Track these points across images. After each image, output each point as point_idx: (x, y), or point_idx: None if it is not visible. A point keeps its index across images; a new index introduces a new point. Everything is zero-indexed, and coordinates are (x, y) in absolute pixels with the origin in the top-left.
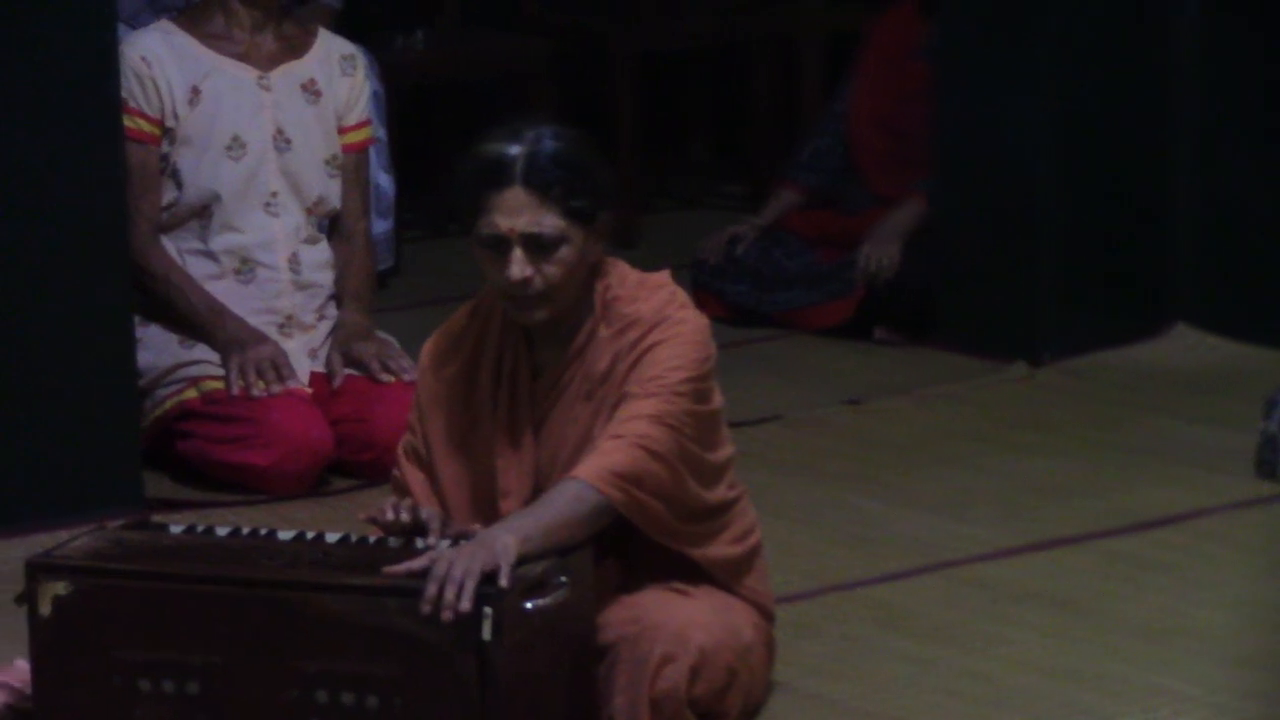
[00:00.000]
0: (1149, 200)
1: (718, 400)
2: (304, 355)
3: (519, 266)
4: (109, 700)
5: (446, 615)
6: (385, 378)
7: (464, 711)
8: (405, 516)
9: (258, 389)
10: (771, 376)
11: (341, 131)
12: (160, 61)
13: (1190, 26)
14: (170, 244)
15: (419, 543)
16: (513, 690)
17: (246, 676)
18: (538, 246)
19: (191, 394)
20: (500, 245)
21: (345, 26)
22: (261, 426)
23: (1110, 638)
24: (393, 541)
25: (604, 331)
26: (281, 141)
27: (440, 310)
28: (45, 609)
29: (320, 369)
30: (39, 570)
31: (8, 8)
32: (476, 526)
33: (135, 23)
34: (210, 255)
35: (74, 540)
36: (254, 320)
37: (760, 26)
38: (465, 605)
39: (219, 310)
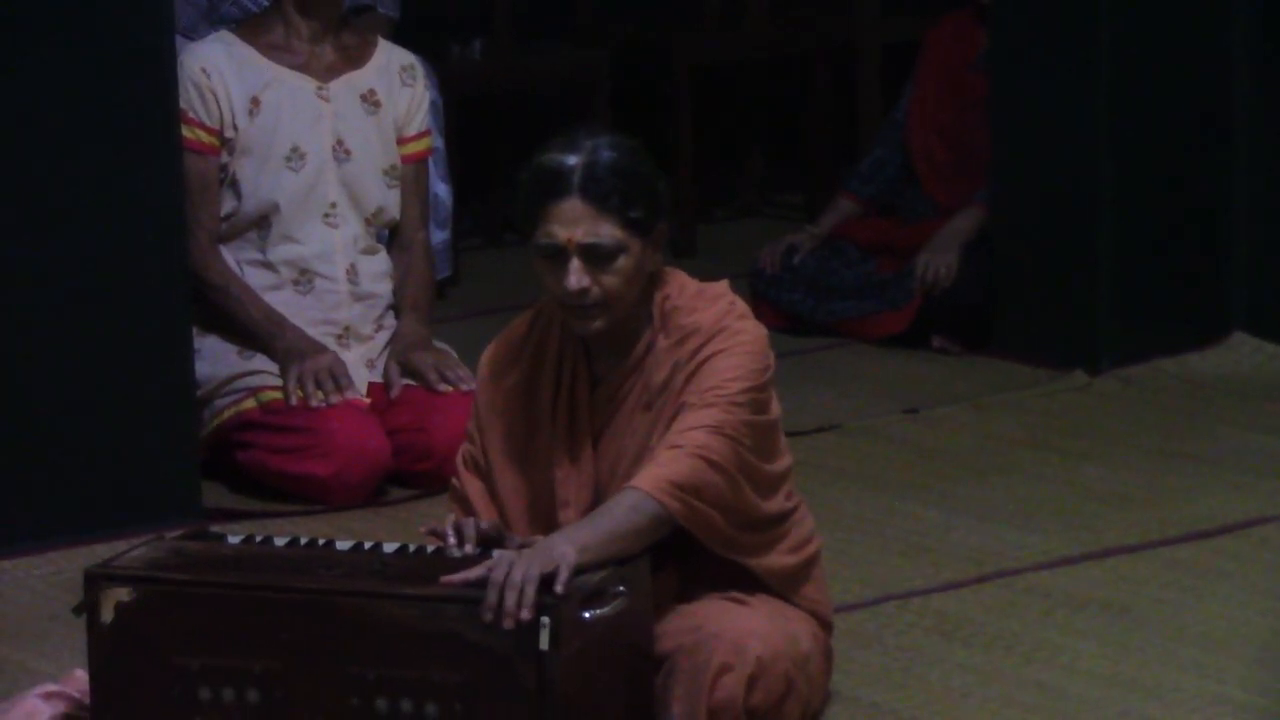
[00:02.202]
0: (1207, 208)
1: (776, 410)
2: (362, 365)
3: (577, 276)
4: (168, 708)
5: (508, 623)
6: (443, 388)
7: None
8: (469, 549)
9: (316, 399)
10: (829, 386)
11: (401, 142)
12: (220, 72)
13: (1247, 33)
14: (229, 254)
15: (476, 553)
16: (571, 699)
17: (306, 684)
18: (595, 257)
19: (250, 404)
20: (558, 255)
21: (402, 36)
22: (320, 437)
23: (1170, 646)
24: (451, 551)
25: (663, 342)
26: (341, 152)
27: (497, 319)
28: (108, 615)
29: (378, 379)
30: (99, 579)
31: (66, 19)
32: (537, 538)
33: (193, 34)
34: (269, 266)
35: (132, 550)
36: (312, 331)
37: (818, 36)
38: (526, 614)
39: (278, 320)
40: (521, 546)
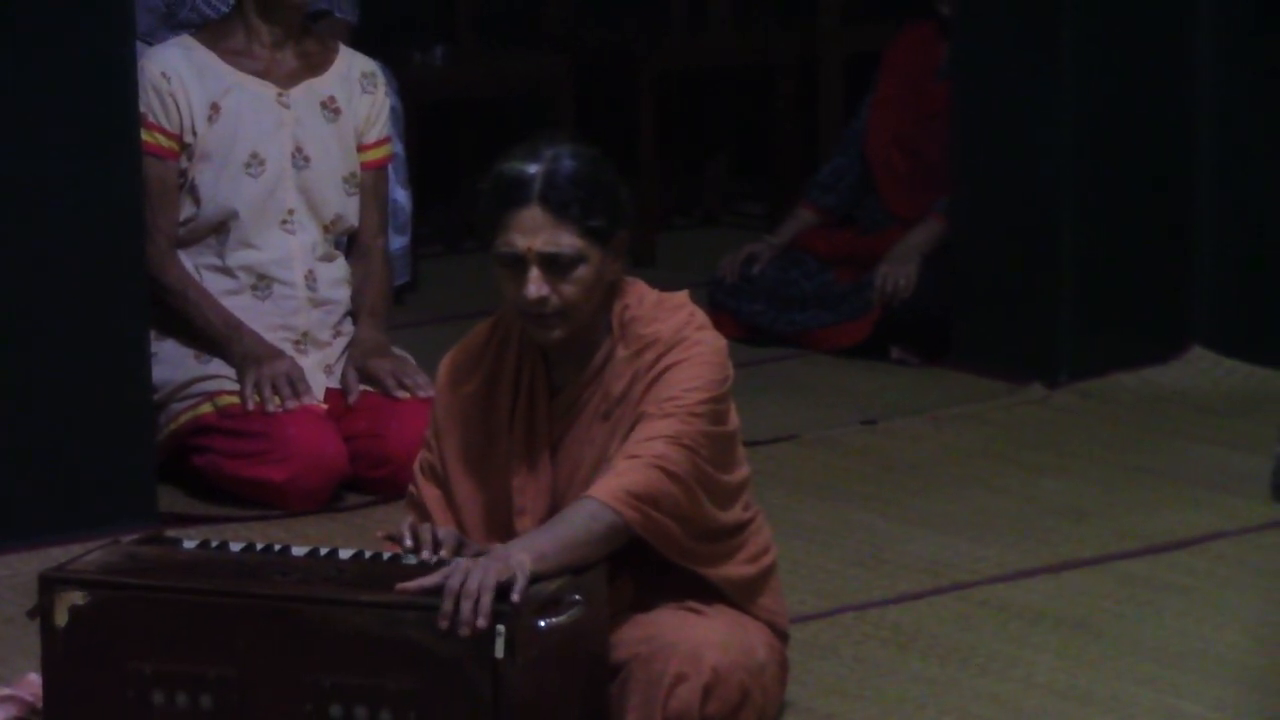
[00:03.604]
0: (1167, 223)
1: (734, 421)
2: (319, 371)
3: (536, 285)
4: (122, 713)
5: (463, 631)
6: (400, 394)
7: None
8: (426, 551)
9: (273, 404)
10: (787, 396)
11: (361, 149)
12: (180, 77)
13: (1211, 48)
14: (187, 259)
15: (433, 561)
16: (526, 707)
17: (261, 690)
18: (555, 266)
19: (207, 409)
20: (518, 264)
21: (363, 42)
22: (276, 442)
23: (1125, 660)
24: (407, 558)
25: (622, 352)
26: (300, 159)
27: (456, 327)
28: (61, 619)
29: (336, 385)
30: (54, 582)
31: (26, 22)
32: (495, 546)
33: (152, 39)
34: (227, 271)
35: (87, 555)
36: (270, 337)
37: (781, 47)
38: (482, 622)
39: (235, 325)
40: (478, 554)
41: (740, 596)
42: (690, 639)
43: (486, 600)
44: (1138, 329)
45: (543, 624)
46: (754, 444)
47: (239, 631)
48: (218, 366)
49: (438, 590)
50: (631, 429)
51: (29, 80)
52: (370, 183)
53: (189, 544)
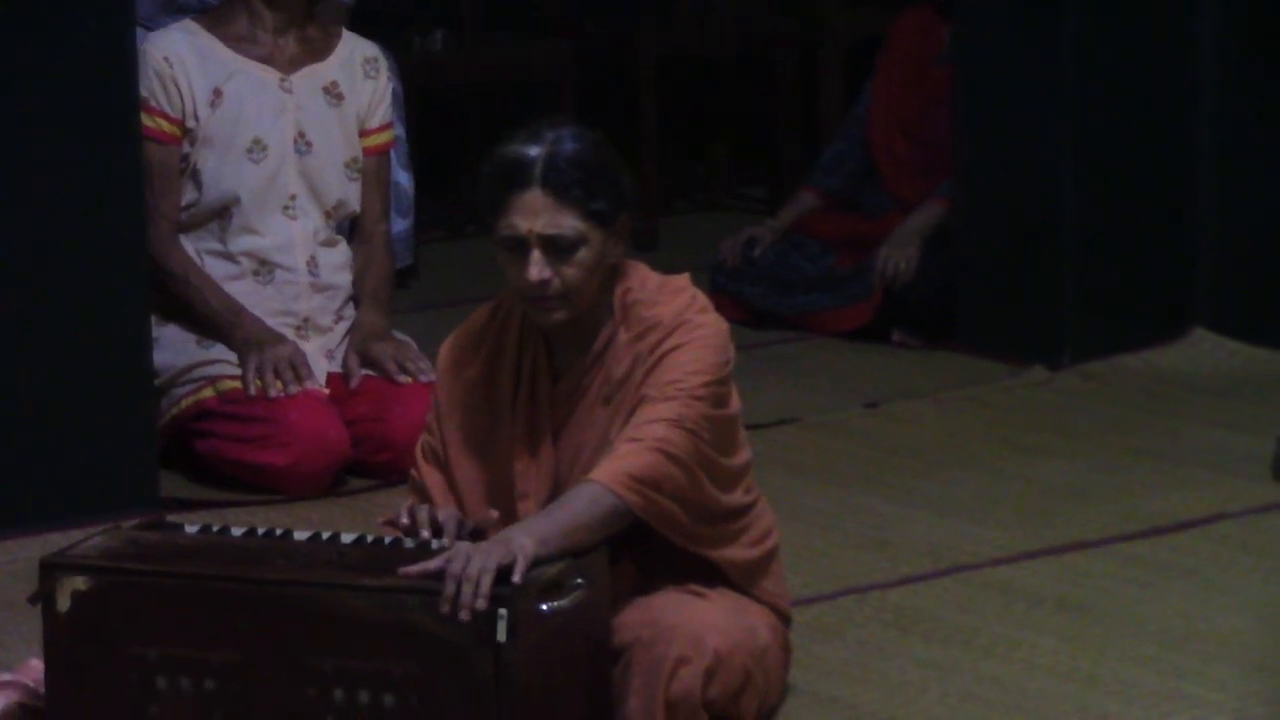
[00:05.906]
0: (1169, 204)
1: (736, 405)
2: (321, 356)
3: (537, 268)
4: (124, 698)
5: (464, 614)
6: (402, 378)
7: (479, 711)
8: (425, 532)
9: (275, 389)
10: (789, 379)
11: (363, 134)
12: (183, 62)
13: (1211, 30)
14: (189, 244)
15: (434, 544)
16: (528, 691)
17: (263, 674)
18: (556, 248)
19: (209, 393)
20: (519, 246)
21: (363, 25)
22: (278, 427)
23: (1128, 642)
24: (408, 542)
25: (624, 335)
26: (302, 144)
27: (458, 311)
28: (64, 604)
29: (337, 370)
30: (55, 568)
31: (27, 7)
32: (494, 513)
33: (152, 25)
34: (229, 256)
35: (88, 540)
36: (271, 322)
37: (781, 31)
38: (482, 603)
39: (237, 310)
40: (477, 531)
41: (743, 579)
42: (692, 622)
43: (486, 583)
44: (1140, 311)
45: (545, 607)
46: (755, 427)
47: (241, 616)
48: (219, 351)
49: (440, 574)
50: (633, 412)
51: (30, 65)
52: (373, 168)
53: (190, 529)
